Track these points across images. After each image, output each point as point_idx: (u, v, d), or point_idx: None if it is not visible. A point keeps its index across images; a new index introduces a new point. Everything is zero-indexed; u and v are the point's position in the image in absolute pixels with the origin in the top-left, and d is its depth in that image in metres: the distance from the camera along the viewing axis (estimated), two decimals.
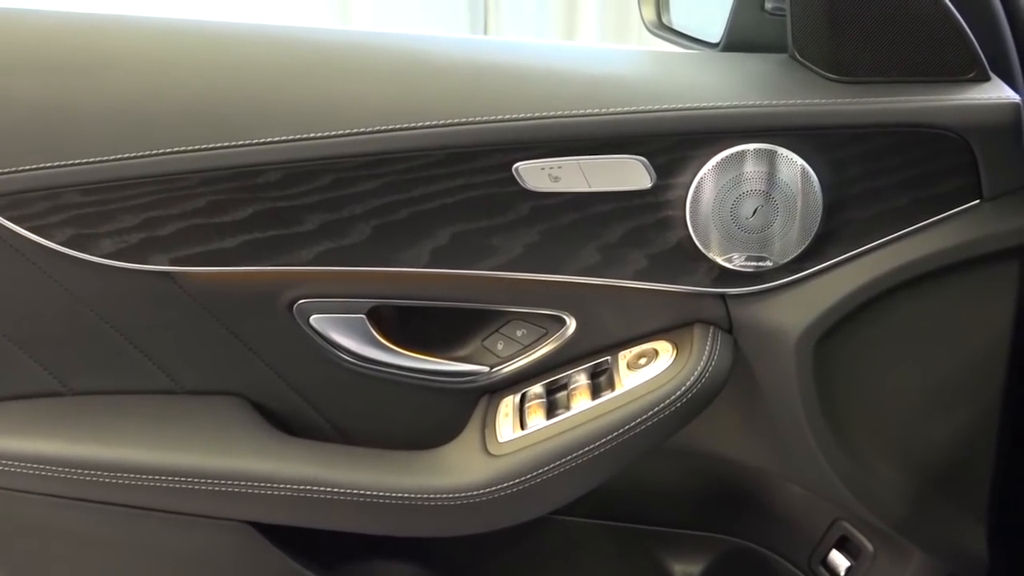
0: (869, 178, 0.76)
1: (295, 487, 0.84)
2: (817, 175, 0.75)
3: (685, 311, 0.84)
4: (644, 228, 0.79)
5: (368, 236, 0.82)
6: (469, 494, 0.83)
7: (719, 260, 0.79)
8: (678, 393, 0.79)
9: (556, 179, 0.78)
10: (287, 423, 0.94)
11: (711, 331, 0.83)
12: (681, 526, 1.06)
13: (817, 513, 1.00)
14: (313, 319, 0.88)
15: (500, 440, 0.85)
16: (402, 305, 0.88)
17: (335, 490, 0.84)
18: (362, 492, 0.84)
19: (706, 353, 0.81)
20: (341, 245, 0.82)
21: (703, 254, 0.79)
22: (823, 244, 0.78)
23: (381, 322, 0.89)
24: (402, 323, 0.91)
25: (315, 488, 0.84)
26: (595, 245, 0.81)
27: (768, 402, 0.86)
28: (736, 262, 0.79)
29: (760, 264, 0.79)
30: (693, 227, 0.78)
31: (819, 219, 0.76)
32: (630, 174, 0.77)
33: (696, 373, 0.79)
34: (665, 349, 0.84)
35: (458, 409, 0.92)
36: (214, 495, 0.85)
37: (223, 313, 0.88)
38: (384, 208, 0.80)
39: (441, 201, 0.80)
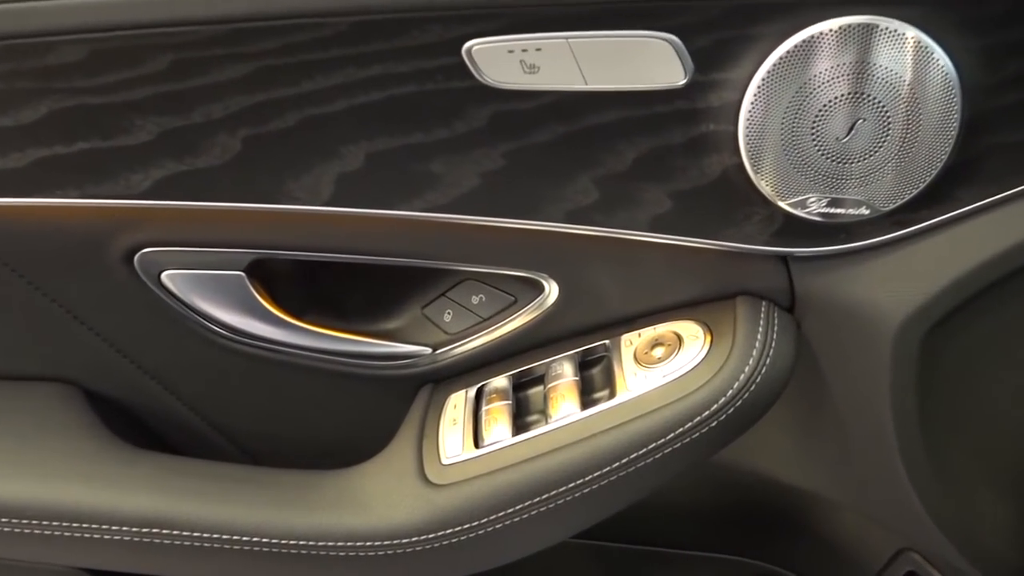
0: None
1: (140, 530, 0.57)
2: (956, 68, 0.46)
3: (725, 278, 0.56)
4: (670, 152, 0.50)
5: (235, 155, 0.52)
6: (393, 542, 0.56)
7: (785, 205, 0.50)
8: (715, 406, 0.52)
9: (532, 69, 0.48)
10: (143, 422, 0.66)
11: (764, 309, 0.55)
12: (700, 548, 0.80)
13: (877, 541, 0.74)
14: (166, 276, 0.59)
15: (443, 460, 0.57)
16: (300, 258, 0.59)
17: (197, 534, 0.57)
18: (237, 537, 0.57)
19: (758, 342, 0.53)
20: (195, 167, 0.53)
21: (760, 194, 0.50)
22: (953, 183, 0.49)
23: (269, 282, 0.61)
24: (301, 283, 0.63)
25: (169, 532, 0.57)
26: (591, 177, 0.52)
27: (838, 410, 0.59)
28: (812, 208, 0.50)
29: (849, 212, 0.50)
30: (748, 152, 0.49)
31: (952, 141, 0.47)
32: (650, 63, 0.47)
33: (744, 374, 0.52)
34: (693, 334, 0.56)
35: (385, 407, 0.65)
36: (24, 538, 0.58)
37: (27, 267, 0.58)
38: (257, 111, 0.50)
39: (348, 101, 0.50)
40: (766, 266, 0.55)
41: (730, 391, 0.52)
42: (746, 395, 0.52)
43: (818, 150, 0.48)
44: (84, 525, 0.57)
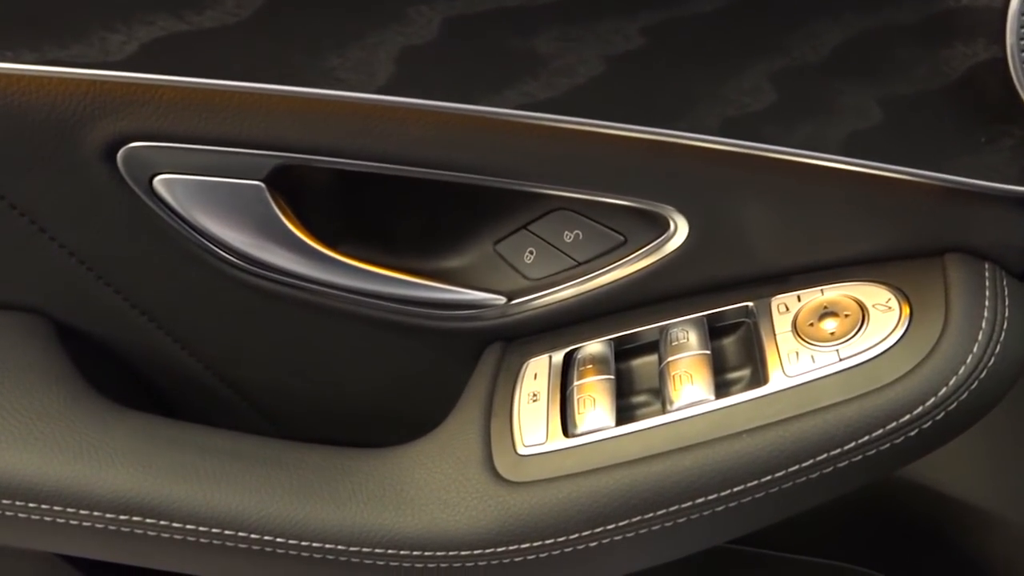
0: None
1: (117, 516, 0.43)
2: None
3: (935, 228, 0.40)
4: (891, 35, 0.34)
5: (255, 11, 0.37)
6: (449, 554, 0.42)
7: None
8: (921, 408, 0.37)
9: None
10: (130, 368, 0.52)
11: (991, 274, 0.39)
12: (809, 552, 0.66)
13: None
14: (159, 182, 0.44)
15: (521, 449, 0.43)
16: (339, 167, 0.43)
17: (189, 527, 0.43)
18: (242, 534, 0.43)
19: (985, 320, 0.37)
20: (198, 27, 0.37)
21: (1021, 107, 0.34)
22: None
23: (297, 197, 0.45)
24: (338, 202, 0.47)
25: (155, 523, 0.43)
26: (766, 69, 0.36)
27: None
28: None
29: None
30: (1018, 40, 0.32)
31: None
32: None
33: (966, 365, 0.36)
34: (881, 302, 0.40)
35: (442, 369, 0.50)
36: None
37: None
38: None
39: None
40: (1002, 213, 0.38)
41: (944, 388, 0.36)
42: (965, 394, 0.36)
43: None
44: (46, 507, 0.44)
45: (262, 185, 0.44)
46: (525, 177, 0.43)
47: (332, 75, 0.38)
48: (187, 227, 0.45)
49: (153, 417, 0.47)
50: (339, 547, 0.43)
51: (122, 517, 0.43)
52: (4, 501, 0.44)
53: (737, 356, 0.43)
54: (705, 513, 0.39)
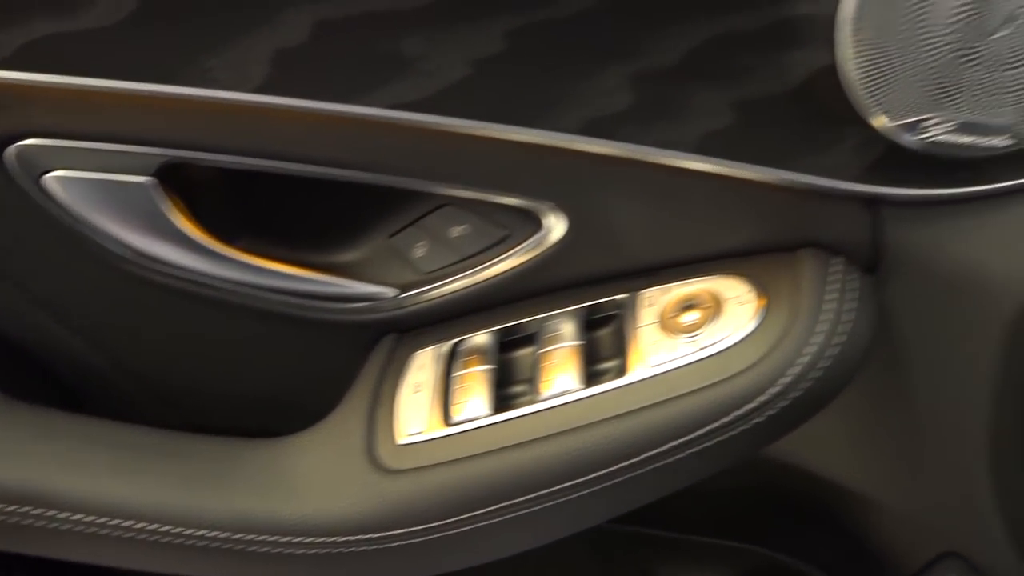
0: None
1: (5, 507, 0.44)
2: None
3: (788, 224, 0.42)
4: (736, 41, 0.36)
5: (130, 12, 0.38)
6: (328, 540, 0.43)
7: (892, 126, 0.36)
8: (767, 394, 0.39)
9: None
10: (30, 361, 0.52)
11: (838, 268, 0.41)
12: (710, 534, 0.68)
13: (918, 543, 0.62)
14: (50, 179, 0.45)
15: (400, 438, 0.44)
16: (226, 165, 0.44)
17: (77, 517, 0.44)
18: (129, 523, 0.44)
19: (830, 312, 0.39)
20: (74, 28, 0.38)
21: (858, 110, 0.36)
22: None
23: (189, 193, 0.46)
24: (231, 197, 0.49)
25: (41, 513, 0.44)
26: (624, 72, 0.37)
27: (916, 401, 0.46)
28: (931, 133, 0.36)
29: (984, 143, 0.36)
30: (854, 47, 0.34)
31: None
32: None
33: (809, 354, 0.38)
34: (738, 295, 0.42)
35: (335, 359, 0.51)
36: None
37: None
38: None
39: None
40: (847, 211, 0.41)
41: (789, 375, 0.38)
42: (810, 382, 0.39)
43: (956, 49, 0.33)
44: None
45: (151, 182, 0.45)
46: (408, 174, 0.44)
47: (208, 76, 0.39)
48: (78, 224, 0.46)
49: (45, 410, 0.48)
50: (226, 534, 0.44)
51: (10, 508, 0.44)
52: None
53: (610, 347, 0.45)
54: (570, 497, 0.41)
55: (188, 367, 0.54)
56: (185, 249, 0.47)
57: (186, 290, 0.49)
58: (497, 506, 0.41)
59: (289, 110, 0.40)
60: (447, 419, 0.44)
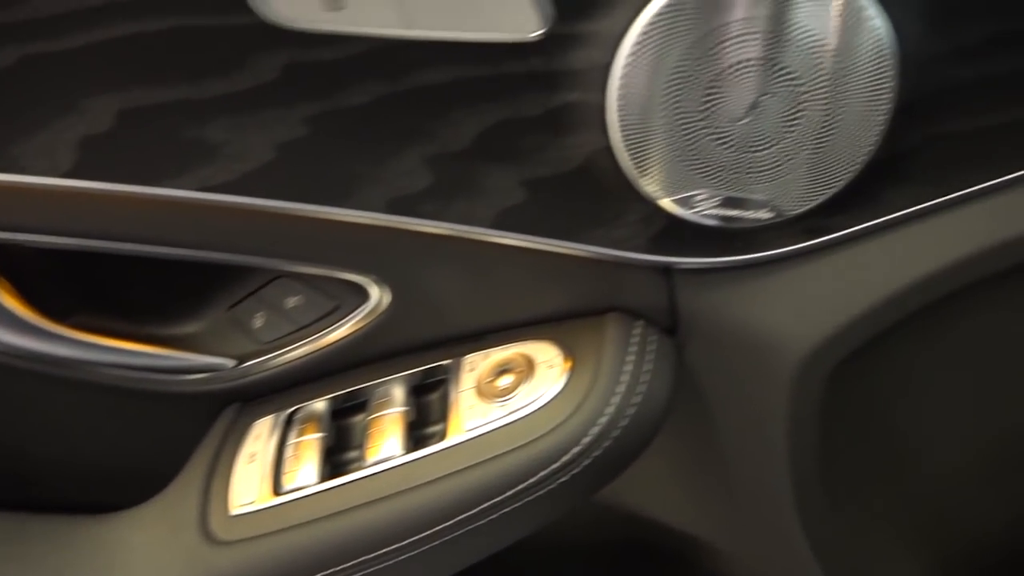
0: (998, 48, 0.36)
1: None
2: (893, 33, 0.34)
3: (592, 291, 0.45)
4: (522, 126, 0.38)
5: None
6: None
7: (666, 203, 0.39)
8: (567, 456, 0.40)
9: (336, 3, 0.35)
10: None
11: (638, 331, 0.44)
12: None
13: None
14: None
15: (232, 510, 0.45)
16: (46, 246, 0.45)
17: None
18: None
19: (628, 372, 0.42)
20: None
21: (634, 188, 0.39)
22: (880, 183, 0.38)
23: (16, 273, 0.47)
24: (65, 275, 0.49)
25: None
26: (419, 155, 0.39)
27: (724, 449, 0.48)
28: (701, 208, 0.39)
29: (748, 215, 0.39)
30: (619, 132, 0.37)
31: (881, 129, 0.36)
32: (497, 4, 0.35)
33: (607, 415, 0.41)
34: (547, 359, 0.44)
35: (186, 430, 0.52)
36: None
37: None
38: None
39: (86, 36, 0.37)
40: (642, 278, 0.43)
41: (588, 437, 0.40)
42: (608, 441, 0.41)
43: (710, 133, 0.36)
44: None
45: None
46: (233, 251, 0.45)
47: (17, 161, 0.40)
48: None
49: None
50: None
51: None
52: None
53: (437, 412, 0.46)
54: (392, 561, 0.42)
55: (32, 444, 0.54)
56: (14, 329, 0.47)
57: (19, 368, 0.49)
58: (322, 573, 0.42)
59: (102, 194, 0.41)
60: (277, 488, 0.45)
